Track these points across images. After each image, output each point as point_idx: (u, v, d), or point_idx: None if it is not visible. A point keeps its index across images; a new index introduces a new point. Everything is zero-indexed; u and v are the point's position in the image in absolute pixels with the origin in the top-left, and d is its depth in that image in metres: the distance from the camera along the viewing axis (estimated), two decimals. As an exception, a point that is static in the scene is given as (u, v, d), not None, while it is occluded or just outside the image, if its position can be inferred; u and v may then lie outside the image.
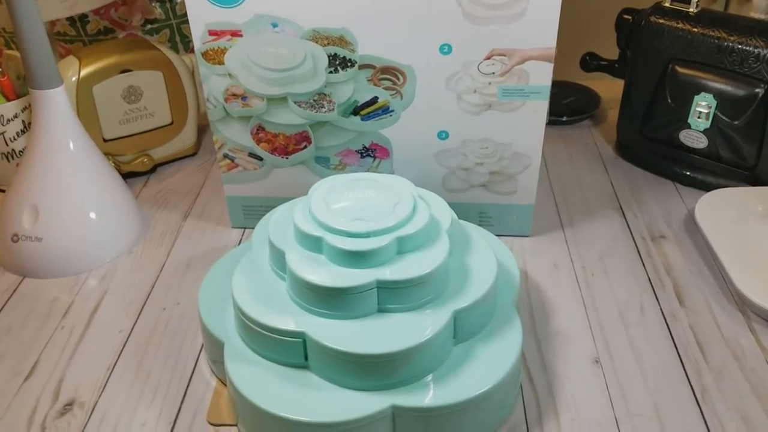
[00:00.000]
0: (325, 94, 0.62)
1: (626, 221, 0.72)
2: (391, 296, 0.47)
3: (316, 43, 0.59)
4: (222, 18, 0.58)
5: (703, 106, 0.72)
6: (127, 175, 0.80)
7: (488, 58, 0.58)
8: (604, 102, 0.93)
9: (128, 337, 0.59)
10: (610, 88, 0.94)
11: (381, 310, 0.48)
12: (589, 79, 0.95)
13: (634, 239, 0.69)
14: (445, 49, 0.58)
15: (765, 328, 0.58)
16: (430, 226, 0.50)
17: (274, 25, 0.58)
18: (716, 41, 0.70)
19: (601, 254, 0.67)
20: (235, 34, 0.59)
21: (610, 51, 0.88)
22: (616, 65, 0.87)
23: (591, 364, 0.55)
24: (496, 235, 0.63)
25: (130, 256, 0.69)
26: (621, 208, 0.74)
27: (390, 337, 0.46)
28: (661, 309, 0.61)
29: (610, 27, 0.83)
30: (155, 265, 0.68)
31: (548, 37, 0.57)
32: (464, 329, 0.49)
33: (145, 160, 0.81)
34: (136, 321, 0.61)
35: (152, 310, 0.62)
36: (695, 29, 0.72)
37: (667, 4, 0.75)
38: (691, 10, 0.73)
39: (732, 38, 0.70)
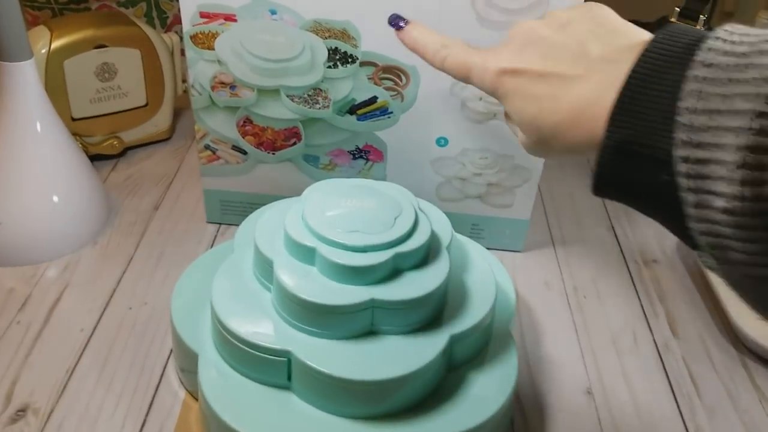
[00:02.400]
0: (321, 90, 0.58)
1: (618, 242, 0.70)
2: (386, 317, 0.44)
3: (317, 34, 0.55)
4: (216, 0, 0.54)
5: (703, 129, 0.70)
6: (94, 158, 0.74)
7: (498, 65, 0.55)
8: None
9: (90, 338, 0.54)
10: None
11: (373, 331, 0.44)
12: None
13: (626, 262, 0.67)
14: (454, 52, 0.55)
15: (758, 365, 0.57)
16: (431, 242, 0.47)
17: (273, 12, 0.54)
18: (723, 64, 0.68)
19: (593, 276, 0.65)
20: (229, 18, 0.54)
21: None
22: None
23: (583, 394, 0.53)
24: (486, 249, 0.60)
25: (95, 246, 0.64)
26: (613, 228, 0.72)
27: (383, 362, 0.43)
28: (654, 339, 0.59)
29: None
30: (122, 258, 0.63)
31: (563, 49, 0.54)
32: (459, 355, 0.46)
33: (115, 142, 0.75)
34: (99, 319, 0.56)
35: (117, 308, 0.57)
36: (702, 50, 0.69)
37: (673, 20, 0.73)
38: (698, 27, 0.71)
39: (739, 62, 0.68)
